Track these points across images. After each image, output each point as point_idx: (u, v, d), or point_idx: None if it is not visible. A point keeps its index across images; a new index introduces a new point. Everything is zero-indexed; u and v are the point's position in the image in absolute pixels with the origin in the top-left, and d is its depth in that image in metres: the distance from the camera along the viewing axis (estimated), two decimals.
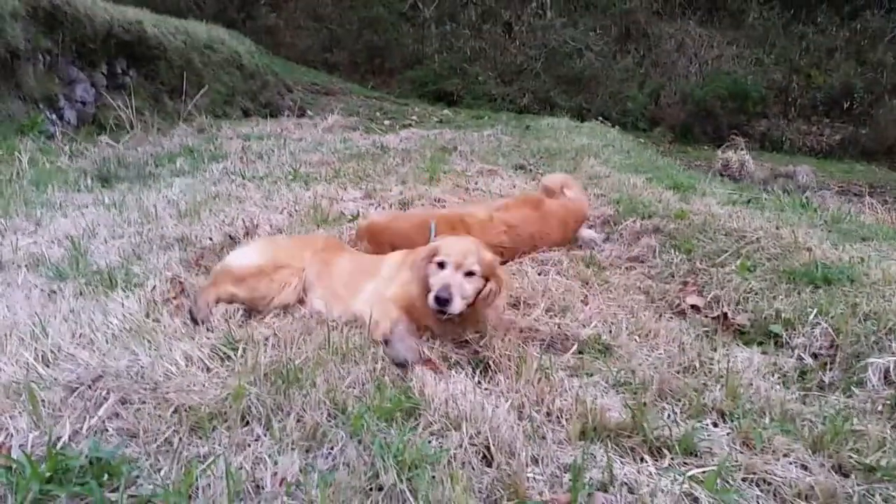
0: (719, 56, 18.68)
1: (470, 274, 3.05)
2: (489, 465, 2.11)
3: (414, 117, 16.22)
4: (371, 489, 1.91)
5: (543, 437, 2.29)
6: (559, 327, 3.25)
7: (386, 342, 2.86)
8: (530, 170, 8.18)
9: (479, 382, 2.71)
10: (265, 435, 2.19)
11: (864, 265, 3.90)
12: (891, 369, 2.83)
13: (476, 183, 7.05)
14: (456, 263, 3.05)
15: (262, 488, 1.92)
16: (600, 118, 17.39)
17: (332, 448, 2.12)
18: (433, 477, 1.95)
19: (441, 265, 3.07)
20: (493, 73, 21.89)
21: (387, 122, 14.69)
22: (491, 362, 2.84)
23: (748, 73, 18.52)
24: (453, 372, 2.76)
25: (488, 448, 2.17)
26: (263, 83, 15.72)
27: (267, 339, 2.86)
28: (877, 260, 4.02)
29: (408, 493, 1.89)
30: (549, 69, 21.39)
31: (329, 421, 2.26)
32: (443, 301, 2.94)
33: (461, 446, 2.15)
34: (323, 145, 9.51)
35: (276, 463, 2.03)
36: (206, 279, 3.52)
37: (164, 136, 9.38)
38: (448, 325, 3.10)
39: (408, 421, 2.29)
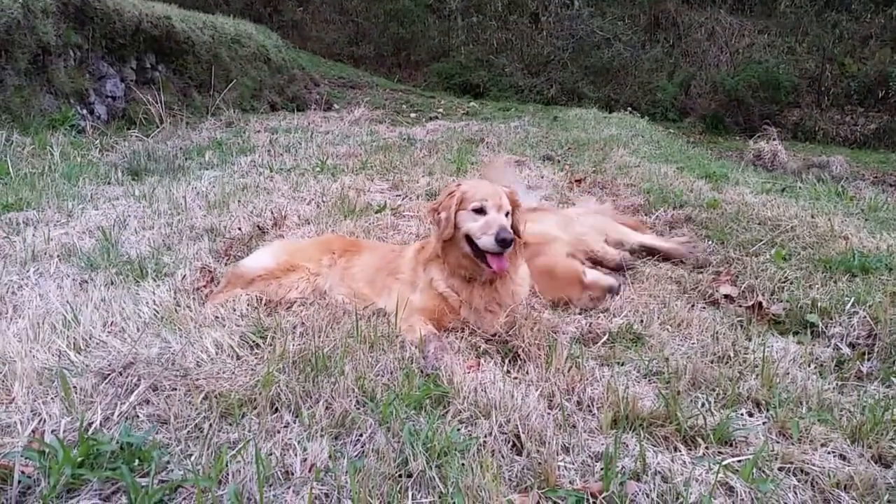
0: (750, 45, 18.35)
1: (507, 214, 3.03)
2: (519, 454, 2.09)
3: (440, 109, 16.17)
4: (400, 475, 1.90)
5: (574, 426, 2.26)
6: (589, 321, 3.21)
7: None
8: (558, 161, 8.12)
9: (509, 371, 2.69)
10: (294, 422, 2.19)
11: None
12: None
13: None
14: (496, 205, 3.00)
15: (292, 474, 1.91)
16: (629, 109, 17.19)
17: (360, 435, 2.11)
18: (463, 464, 1.93)
19: (479, 211, 3.00)
20: (519, 64, 21.73)
21: (413, 115, 14.68)
22: (520, 351, 2.81)
23: (780, 62, 18.16)
24: (482, 361, 2.75)
25: (518, 436, 2.14)
26: (290, 77, 15.80)
27: (295, 327, 2.86)
28: None
29: (437, 479, 1.87)
30: (576, 60, 21.19)
31: (358, 408, 2.25)
32: (509, 241, 2.89)
33: (491, 434, 2.13)
34: (350, 138, 9.53)
35: (305, 449, 2.02)
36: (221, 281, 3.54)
37: (192, 129, 9.47)
38: (487, 297, 3.07)
39: (437, 409, 2.27)
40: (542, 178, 6.88)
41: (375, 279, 3.35)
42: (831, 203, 5.50)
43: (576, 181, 6.72)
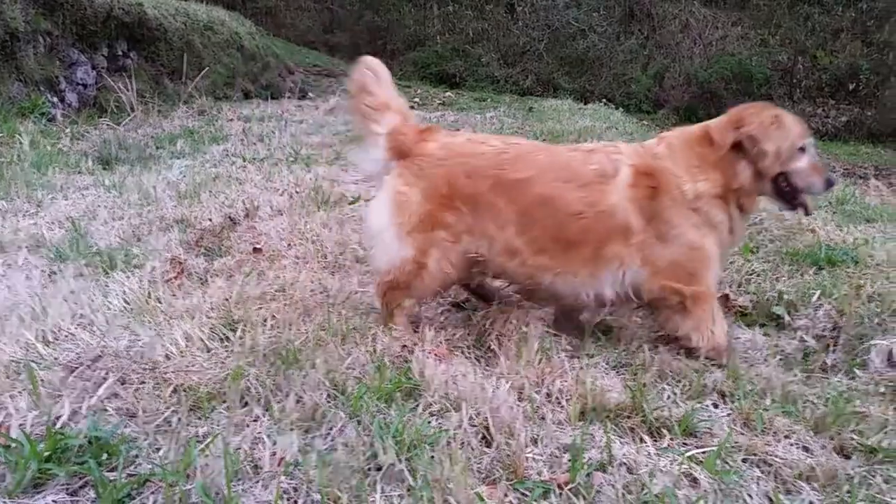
0: (724, 37, 18.52)
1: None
2: (489, 446, 2.11)
3: (416, 99, 16.11)
4: (370, 469, 1.91)
5: (543, 418, 2.29)
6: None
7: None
8: None
9: (479, 360, 2.72)
10: (264, 415, 2.19)
11: (869, 246, 3.88)
12: (894, 351, 2.83)
13: None
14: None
15: (261, 468, 1.91)
16: (604, 100, 17.27)
17: (330, 428, 2.11)
18: (432, 457, 1.95)
19: (801, 149, 2.84)
20: (495, 54, 21.72)
21: None
22: (492, 344, 2.83)
23: (753, 55, 18.37)
24: (455, 353, 2.76)
25: (488, 429, 2.16)
26: (264, 65, 15.63)
27: (265, 320, 2.85)
28: (882, 241, 4.00)
29: (406, 472, 1.88)
30: (552, 50, 21.23)
31: (328, 402, 2.25)
32: (833, 184, 2.93)
33: (461, 427, 2.15)
34: (324, 127, 9.47)
35: (274, 443, 2.02)
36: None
37: (164, 118, 9.34)
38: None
39: (407, 402, 2.29)
40: None
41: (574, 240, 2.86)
42: None
43: None
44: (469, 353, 2.80)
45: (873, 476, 2.07)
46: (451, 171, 2.84)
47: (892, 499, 1.98)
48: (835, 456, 2.18)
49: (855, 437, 2.26)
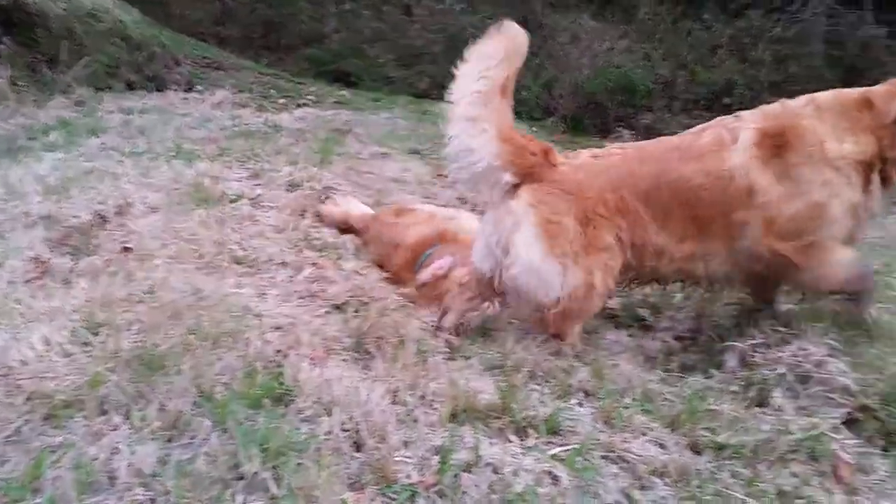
0: (610, 49, 19.16)
1: None
2: (359, 451, 2.11)
3: (311, 97, 15.81)
4: (232, 478, 1.87)
5: (416, 421, 2.31)
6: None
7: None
8: (423, 154, 8.19)
9: (357, 363, 2.71)
10: (124, 424, 2.10)
11: None
12: (747, 352, 3.02)
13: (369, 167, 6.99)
14: None
15: (117, 479, 1.84)
16: None
17: (193, 437, 2.05)
18: (299, 464, 1.93)
19: None
20: (392, 55, 21.65)
21: (281, 101, 14.27)
22: (370, 346, 2.84)
23: (637, 67, 19.16)
24: (331, 356, 2.75)
25: (359, 433, 2.17)
26: (150, 55, 14.92)
27: (131, 323, 2.73)
28: None
29: (271, 481, 1.86)
30: (448, 54, 21.37)
31: (194, 409, 2.19)
32: None
33: (331, 432, 2.14)
34: (211, 122, 9.14)
35: (133, 453, 1.94)
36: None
37: (40, 108, 8.79)
38: None
39: (277, 407, 2.25)
40: (408, 171, 6.93)
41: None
42: None
43: (440, 176, 6.82)
44: (347, 355, 2.79)
45: (721, 471, 2.22)
46: (598, 192, 2.87)
47: (737, 493, 2.13)
48: (687, 452, 2.32)
49: (707, 433, 2.40)
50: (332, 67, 21.67)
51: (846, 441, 2.42)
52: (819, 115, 2.86)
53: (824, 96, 2.97)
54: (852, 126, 2.83)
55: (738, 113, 3.05)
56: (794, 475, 2.22)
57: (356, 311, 3.18)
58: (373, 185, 5.87)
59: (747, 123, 2.91)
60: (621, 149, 3.08)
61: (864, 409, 2.59)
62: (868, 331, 3.08)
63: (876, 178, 2.88)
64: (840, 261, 2.93)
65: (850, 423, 2.55)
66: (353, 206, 4.69)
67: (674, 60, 20.19)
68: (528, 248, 2.86)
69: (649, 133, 18.00)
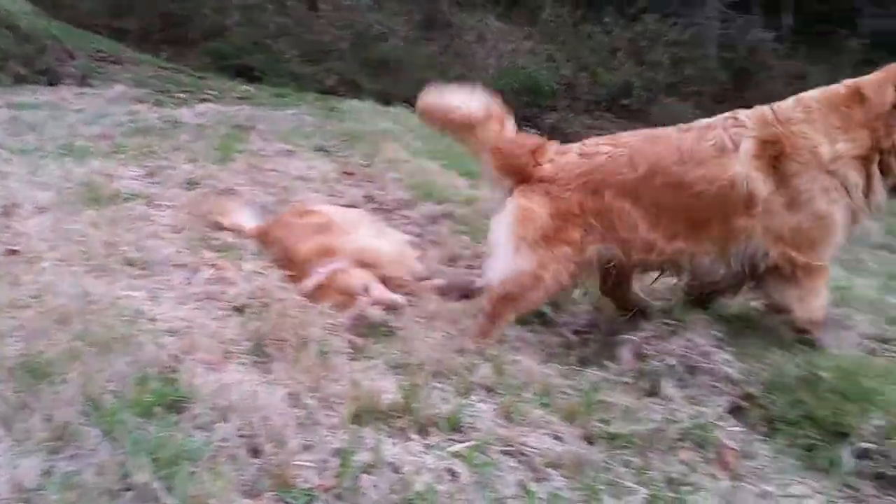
0: (515, 50, 19.61)
1: None
2: (257, 456, 2.07)
3: (214, 92, 15.31)
4: (120, 490, 1.79)
5: (316, 424, 2.28)
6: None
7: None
8: (329, 151, 8.10)
9: (256, 366, 2.65)
10: (6, 436, 1.98)
11: None
12: (640, 345, 3.14)
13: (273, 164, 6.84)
14: None
15: None
16: (405, 103, 17.54)
17: (80, 448, 1.96)
18: (193, 473, 1.87)
19: None
20: (297, 51, 21.29)
21: (181, 96, 13.76)
22: (270, 348, 2.78)
23: (541, 68, 19.61)
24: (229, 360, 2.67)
25: (258, 438, 2.12)
26: (41, 48, 14.09)
27: (14, 330, 2.57)
28: None
29: (162, 491, 1.79)
30: (355, 51, 21.22)
31: (81, 419, 2.08)
32: None
33: (227, 439, 2.08)
34: (106, 117, 8.71)
35: (15, 467, 1.83)
36: None
37: None
38: None
39: (171, 415, 2.18)
40: (313, 168, 6.82)
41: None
42: None
43: (346, 174, 6.76)
44: (245, 359, 2.72)
45: (614, 461, 2.30)
46: (579, 193, 2.94)
47: (628, 482, 2.21)
48: (582, 443, 2.39)
49: (600, 424, 2.49)
50: (234, 62, 21.02)
51: (731, 429, 2.57)
52: (808, 118, 2.87)
53: (810, 96, 2.97)
54: (843, 124, 2.84)
55: (736, 113, 3.03)
56: (683, 462, 2.34)
57: (256, 313, 3.11)
58: (277, 184, 5.75)
59: (748, 131, 2.89)
60: (612, 145, 3.07)
61: (748, 397, 2.75)
62: (752, 322, 3.26)
63: (875, 170, 2.87)
64: (817, 304, 2.99)
65: (734, 410, 2.71)
66: (243, 220, 4.41)
67: (576, 62, 20.78)
68: (497, 228, 3.09)
69: (553, 133, 18.52)
